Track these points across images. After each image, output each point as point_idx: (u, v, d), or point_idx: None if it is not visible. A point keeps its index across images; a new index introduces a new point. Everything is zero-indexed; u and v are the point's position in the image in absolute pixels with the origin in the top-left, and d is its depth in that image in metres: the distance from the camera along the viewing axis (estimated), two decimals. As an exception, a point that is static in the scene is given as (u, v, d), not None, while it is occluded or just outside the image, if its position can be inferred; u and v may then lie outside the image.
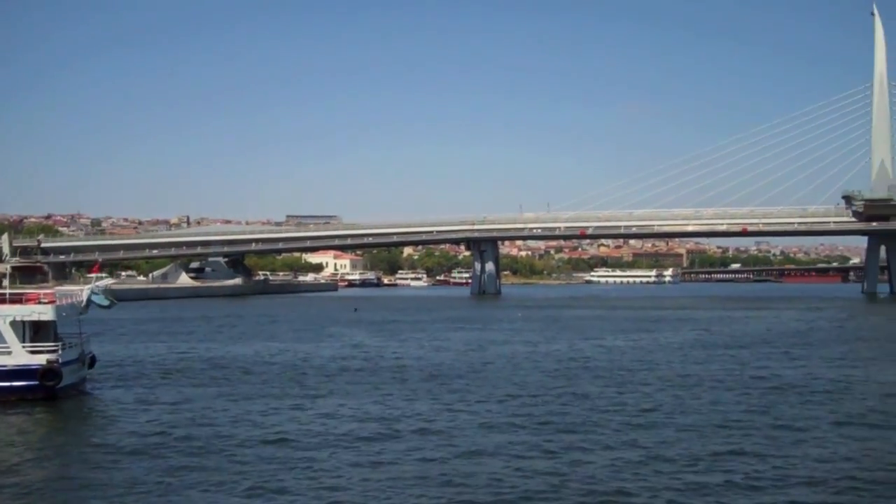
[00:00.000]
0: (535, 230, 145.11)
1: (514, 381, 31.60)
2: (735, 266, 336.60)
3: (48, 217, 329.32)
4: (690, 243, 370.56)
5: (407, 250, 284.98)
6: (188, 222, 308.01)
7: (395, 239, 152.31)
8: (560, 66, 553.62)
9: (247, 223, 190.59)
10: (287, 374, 34.44)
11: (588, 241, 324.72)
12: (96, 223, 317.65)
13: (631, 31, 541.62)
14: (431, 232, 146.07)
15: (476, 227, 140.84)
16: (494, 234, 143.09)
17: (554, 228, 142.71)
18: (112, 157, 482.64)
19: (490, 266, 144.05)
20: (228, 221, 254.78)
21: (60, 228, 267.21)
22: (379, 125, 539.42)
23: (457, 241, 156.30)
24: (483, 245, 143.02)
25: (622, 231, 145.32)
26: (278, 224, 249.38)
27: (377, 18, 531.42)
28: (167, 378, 33.37)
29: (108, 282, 38.86)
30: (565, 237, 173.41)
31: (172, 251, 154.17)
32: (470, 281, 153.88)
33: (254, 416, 24.88)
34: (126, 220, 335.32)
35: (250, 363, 38.08)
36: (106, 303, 35.82)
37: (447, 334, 55.12)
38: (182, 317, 77.65)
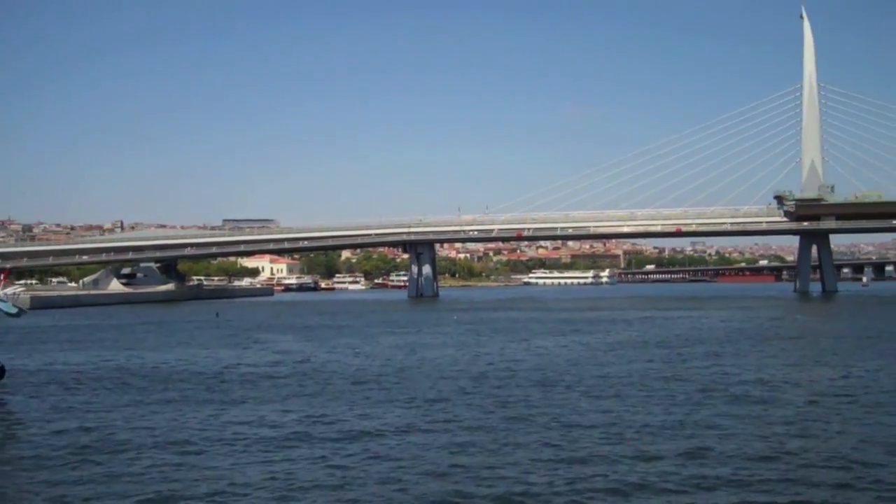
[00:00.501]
0: (471, 232, 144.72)
1: (435, 386, 30.79)
2: (669, 267, 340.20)
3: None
4: (627, 244, 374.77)
5: (345, 254, 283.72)
6: (122, 227, 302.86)
7: (330, 242, 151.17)
8: (499, 65, 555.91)
9: (182, 227, 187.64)
10: (205, 381, 33.23)
11: (526, 242, 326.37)
12: (27, 229, 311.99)
13: (566, 31, 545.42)
14: (368, 235, 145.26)
15: (413, 229, 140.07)
16: (431, 236, 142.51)
17: (490, 230, 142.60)
18: (42, 162, 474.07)
19: (427, 269, 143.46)
20: (163, 226, 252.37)
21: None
22: (320, 128, 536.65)
23: (393, 244, 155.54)
24: (420, 247, 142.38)
25: (558, 233, 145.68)
26: (214, 228, 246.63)
27: (316, 20, 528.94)
28: (80, 386, 31.94)
29: (14, 289, 37.25)
30: (502, 239, 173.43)
31: (103, 257, 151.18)
32: (408, 284, 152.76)
33: (163, 423, 23.79)
34: (58, 225, 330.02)
35: (169, 371, 36.76)
36: (14, 311, 34.49)
37: (379, 339, 54.13)
38: (107, 324, 75.58)
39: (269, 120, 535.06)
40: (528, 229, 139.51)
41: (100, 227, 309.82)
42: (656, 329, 59.82)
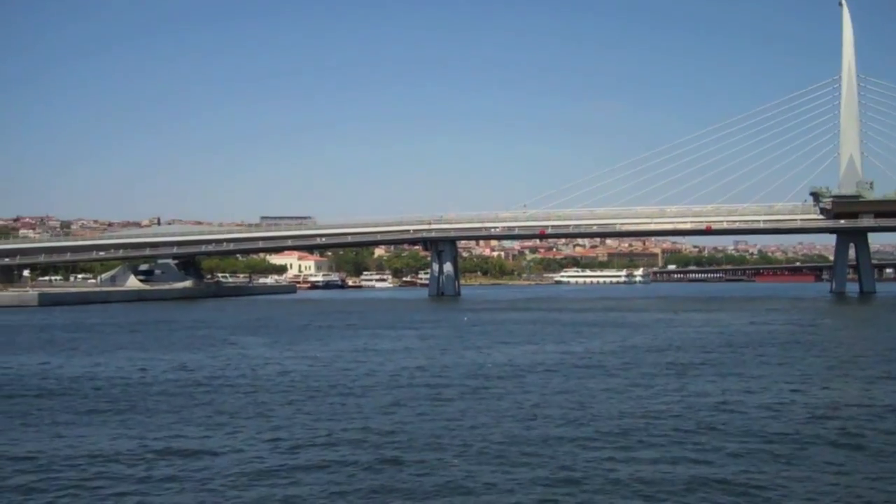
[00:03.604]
0: (493, 230, 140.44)
1: (377, 397, 26.74)
2: (706, 266, 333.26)
3: (17, 219, 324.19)
4: (666, 243, 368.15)
5: (377, 251, 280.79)
6: (159, 224, 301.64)
7: (349, 240, 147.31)
8: (533, 60, 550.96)
9: (220, 225, 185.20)
10: (126, 391, 29.44)
11: (563, 241, 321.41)
12: (65, 225, 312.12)
13: (598, 26, 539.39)
14: (387, 232, 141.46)
15: (433, 226, 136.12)
16: (452, 233, 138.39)
17: (513, 228, 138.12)
18: (84, 159, 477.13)
19: (448, 267, 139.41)
20: (200, 223, 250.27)
21: (27, 231, 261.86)
22: (356, 124, 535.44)
23: (413, 242, 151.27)
24: (441, 245, 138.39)
25: (583, 230, 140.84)
26: (251, 226, 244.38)
27: (342, 16, 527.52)
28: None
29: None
30: (525, 237, 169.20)
31: (120, 252, 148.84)
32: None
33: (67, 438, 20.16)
34: (96, 221, 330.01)
35: (110, 378, 32.92)
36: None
37: (365, 341, 50.19)
38: (100, 323, 72.33)
39: (307, 115, 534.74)
40: (551, 227, 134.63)
41: (137, 224, 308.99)
42: (663, 333, 55.15)
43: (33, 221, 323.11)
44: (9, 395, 29.21)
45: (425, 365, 36.92)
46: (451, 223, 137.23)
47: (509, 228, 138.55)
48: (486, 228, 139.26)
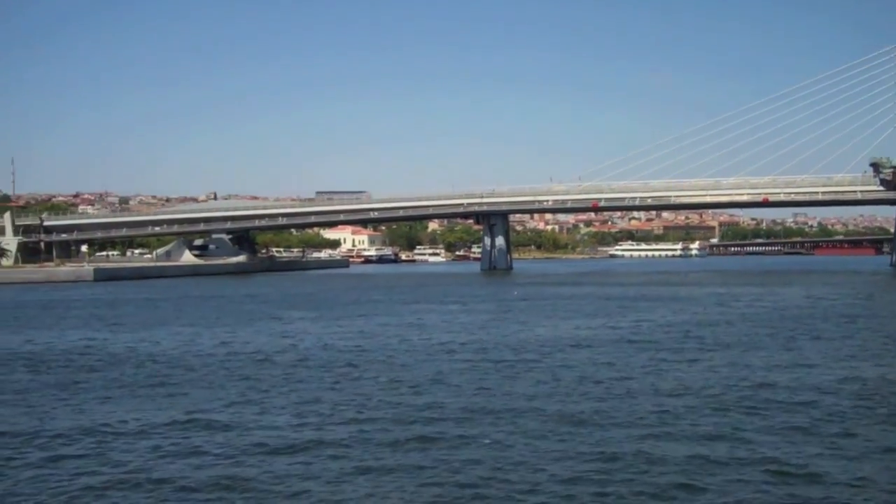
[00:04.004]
0: (545, 203, 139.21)
1: (413, 372, 26.40)
2: (765, 239, 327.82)
3: (76, 195, 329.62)
4: (724, 216, 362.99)
5: (431, 225, 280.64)
6: (216, 199, 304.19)
7: (401, 214, 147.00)
8: (592, 30, 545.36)
9: (276, 200, 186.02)
10: (161, 366, 29.43)
11: (619, 214, 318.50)
12: (124, 201, 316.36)
13: None
14: (439, 206, 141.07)
15: (485, 200, 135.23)
16: (504, 207, 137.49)
17: (565, 201, 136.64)
18: (143, 135, 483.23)
19: (500, 240, 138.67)
20: (256, 198, 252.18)
21: (86, 207, 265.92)
22: (410, 95, 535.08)
23: (465, 216, 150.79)
24: (493, 219, 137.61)
25: (637, 203, 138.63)
26: (306, 200, 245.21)
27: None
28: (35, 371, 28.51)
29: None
30: (577, 210, 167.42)
31: (175, 228, 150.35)
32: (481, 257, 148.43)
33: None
34: (154, 197, 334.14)
35: (151, 354, 32.98)
36: None
37: (410, 316, 49.90)
38: (151, 297, 72.94)
39: (359, 89, 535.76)
40: (604, 199, 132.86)
41: (194, 199, 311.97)
42: (714, 308, 54.05)
43: (92, 197, 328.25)
44: (51, 369, 29.36)
45: (468, 340, 36.53)
46: (502, 196, 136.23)
47: (561, 202, 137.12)
48: (538, 202, 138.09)
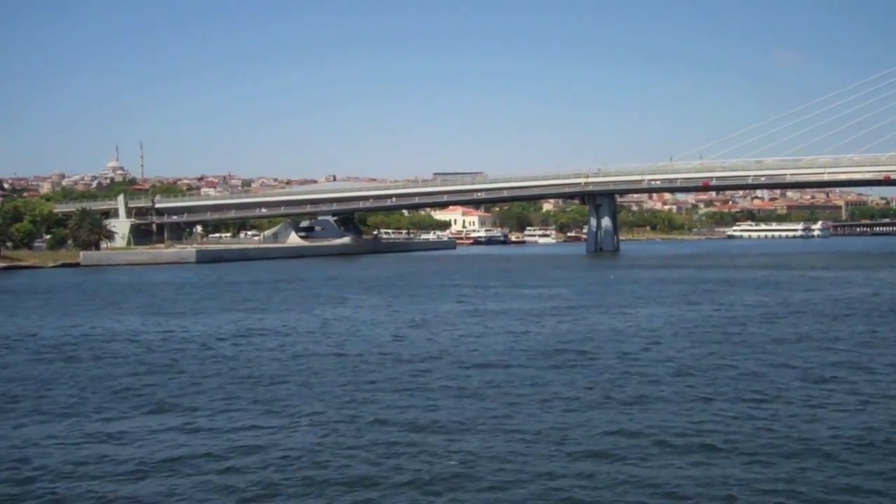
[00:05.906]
0: (654, 182, 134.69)
1: (445, 369, 24.38)
2: (888, 220, 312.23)
3: (201, 178, 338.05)
4: (851, 195, 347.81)
5: (546, 206, 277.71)
6: (335, 180, 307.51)
7: (505, 194, 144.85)
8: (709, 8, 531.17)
9: (394, 182, 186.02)
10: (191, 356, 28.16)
11: (741, 193, 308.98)
12: (246, 183, 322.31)
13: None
14: (545, 186, 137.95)
15: (591, 179, 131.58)
16: (610, 186, 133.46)
17: (674, 180, 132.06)
18: (266, 120, 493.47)
19: (606, 221, 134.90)
20: (373, 180, 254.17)
21: (208, 190, 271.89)
22: (520, 76, 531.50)
23: (570, 196, 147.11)
24: (599, 199, 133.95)
25: (750, 181, 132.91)
26: (424, 181, 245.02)
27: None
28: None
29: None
30: (687, 189, 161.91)
31: (282, 210, 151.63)
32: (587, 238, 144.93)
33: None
34: (276, 179, 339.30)
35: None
36: None
37: (484, 301, 47.69)
38: (239, 280, 72.64)
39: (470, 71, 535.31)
40: (715, 178, 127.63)
41: (314, 181, 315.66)
42: (801, 295, 49.71)
43: (216, 180, 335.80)
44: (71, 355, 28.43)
45: (532, 331, 34.00)
46: (608, 176, 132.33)
47: (670, 181, 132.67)
48: (646, 181, 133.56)
